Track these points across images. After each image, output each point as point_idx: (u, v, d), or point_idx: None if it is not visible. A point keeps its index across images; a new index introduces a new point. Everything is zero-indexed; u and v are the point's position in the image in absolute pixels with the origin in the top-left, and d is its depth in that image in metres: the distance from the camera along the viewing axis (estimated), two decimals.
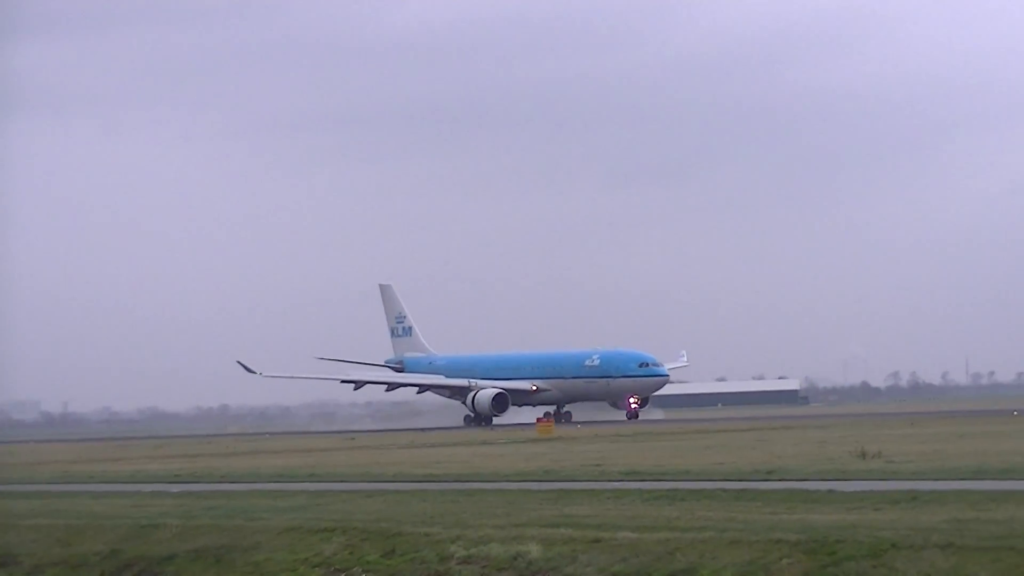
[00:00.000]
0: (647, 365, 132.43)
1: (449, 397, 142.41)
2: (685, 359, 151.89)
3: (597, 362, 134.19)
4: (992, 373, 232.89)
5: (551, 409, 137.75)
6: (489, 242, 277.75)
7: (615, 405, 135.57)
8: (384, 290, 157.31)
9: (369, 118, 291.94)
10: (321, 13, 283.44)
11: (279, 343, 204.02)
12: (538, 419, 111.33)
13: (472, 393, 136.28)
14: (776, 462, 49.69)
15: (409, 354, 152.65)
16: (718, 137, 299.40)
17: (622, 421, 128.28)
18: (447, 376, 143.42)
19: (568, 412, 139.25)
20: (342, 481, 51.99)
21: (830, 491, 36.47)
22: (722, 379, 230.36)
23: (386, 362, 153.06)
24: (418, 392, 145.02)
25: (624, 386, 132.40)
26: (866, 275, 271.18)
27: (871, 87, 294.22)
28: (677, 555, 27.95)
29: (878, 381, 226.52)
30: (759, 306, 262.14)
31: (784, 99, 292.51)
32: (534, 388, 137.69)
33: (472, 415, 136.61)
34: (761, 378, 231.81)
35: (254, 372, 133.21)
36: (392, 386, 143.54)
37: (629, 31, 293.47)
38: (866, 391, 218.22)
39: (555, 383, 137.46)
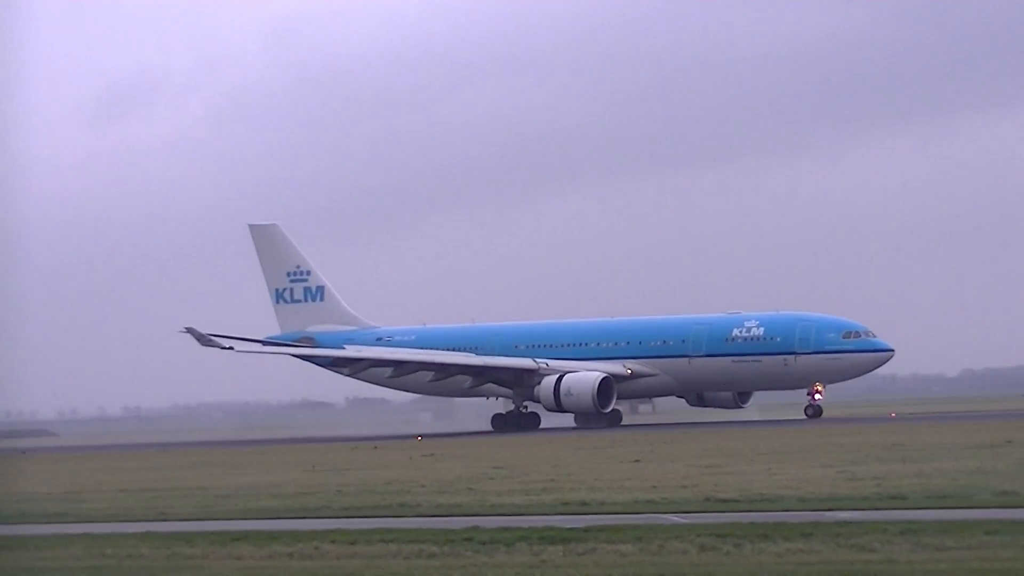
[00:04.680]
0: (856, 335, 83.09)
1: (468, 389, 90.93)
2: None
3: (760, 331, 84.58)
4: None
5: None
6: None
7: (698, 399, 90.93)
8: (260, 234, 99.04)
9: None
10: None
11: None
12: None
13: (553, 378, 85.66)
14: None
15: (322, 327, 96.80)
16: None
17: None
18: None
19: (616, 411, 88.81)
20: None
21: None
22: None
23: (268, 339, 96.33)
24: (433, 379, 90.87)
25: (818, 367, 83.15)
26: None
27: None
28: None
29: None
30: None
31: None
32: (628, 372, 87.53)
33: (532, 410, 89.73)
34: None
35: (225, 347, 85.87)
36: (406, 368, 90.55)
37: None
38: None
39: (667, 364, 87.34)
